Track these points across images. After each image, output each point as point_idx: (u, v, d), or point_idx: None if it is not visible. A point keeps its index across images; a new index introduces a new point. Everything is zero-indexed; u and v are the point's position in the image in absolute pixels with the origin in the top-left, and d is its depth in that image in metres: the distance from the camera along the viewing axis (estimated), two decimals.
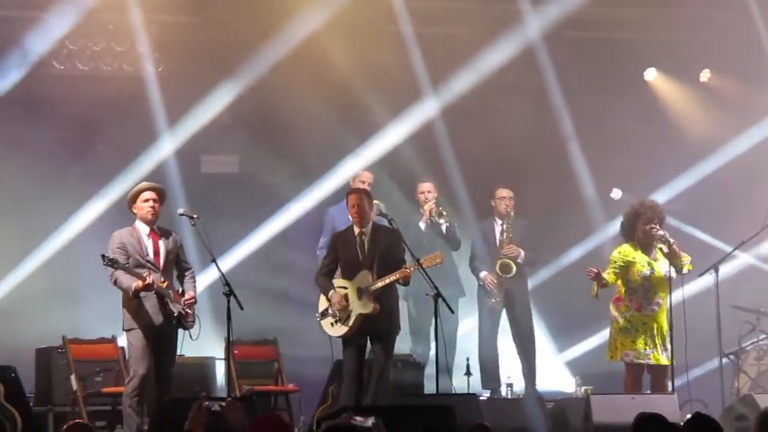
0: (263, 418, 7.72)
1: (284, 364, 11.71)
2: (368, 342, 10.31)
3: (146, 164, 12.76)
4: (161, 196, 10.02)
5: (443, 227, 12.29)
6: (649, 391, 10.73)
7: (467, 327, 12.72)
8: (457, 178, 13.31)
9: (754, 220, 11.85)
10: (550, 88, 13.61)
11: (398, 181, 13.18)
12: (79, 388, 10.79)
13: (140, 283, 9.70)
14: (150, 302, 9.79)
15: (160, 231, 9.98)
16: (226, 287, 9.83)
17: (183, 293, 9.96)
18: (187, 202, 11.97)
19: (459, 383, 11.88)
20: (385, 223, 10.51)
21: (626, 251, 10.70)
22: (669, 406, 9.81)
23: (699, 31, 13.58)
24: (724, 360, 11.73)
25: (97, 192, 12.84)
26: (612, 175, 13.83)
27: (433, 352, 11.22)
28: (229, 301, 9.80)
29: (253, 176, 13.50)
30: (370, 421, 7.38)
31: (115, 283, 9.80)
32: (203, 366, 11.63)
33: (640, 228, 10.68)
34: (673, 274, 10.59)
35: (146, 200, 9.93)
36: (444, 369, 10.50)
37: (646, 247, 10.69)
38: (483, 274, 12.35)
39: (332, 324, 10.34)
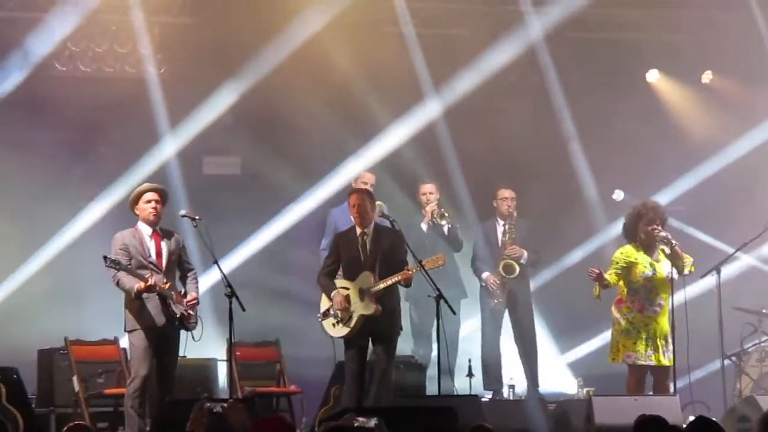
0: (265, 419, 7.70)
1: (286, 365, 11.70)
2: (370, 343, 10.28)
3: (148, 166, 12.77)
4: (163, 197, 10.01)
5: (445, 229, 12.28)
6: (651, 393, 10.72)
7: (469, 328, 12.72)
8: (459, 178, 13.31)
9: (756, 221, 11.85)
10: (551, 89, 13.61)
11: (400, 183, 13.16)
12: (81, 389, 10.78)
13: (142, 284, 9.69)
14: (152, 303, 9.78)
15: (162, 232, 9.97)
16: (228, 288, 9.81)
17: (185, 294, 9.94)
18: (189, 204, 11.98)
19: (461, 384, 11.87)
20: (387, 224, 10.46)
21: (628, 252, 10.68)
22: (671, 408, 9.79)
23: (701, 33, 13.57)
24: (726, 362, 11.71)
25: (100, 193, 12.85)
26: (614, 176, 13.82)
27: (435, 353, 11.23)
28: (231, 303, 9.77)
29: (255, 177, 13.50)
30: (372, 423, 7.37)
31: (118, 284, 9.79)
32: (205, 367, 11.60)
33: (642, 229, 10.66)
34: (675, 276, 10.56)
35: (148, 201, 9.92)
36: (446, 370, 10.50)
37: (648, 248, 10.68)
38: (485, 274, 12.32)
39: (334, 325, 10.31)
